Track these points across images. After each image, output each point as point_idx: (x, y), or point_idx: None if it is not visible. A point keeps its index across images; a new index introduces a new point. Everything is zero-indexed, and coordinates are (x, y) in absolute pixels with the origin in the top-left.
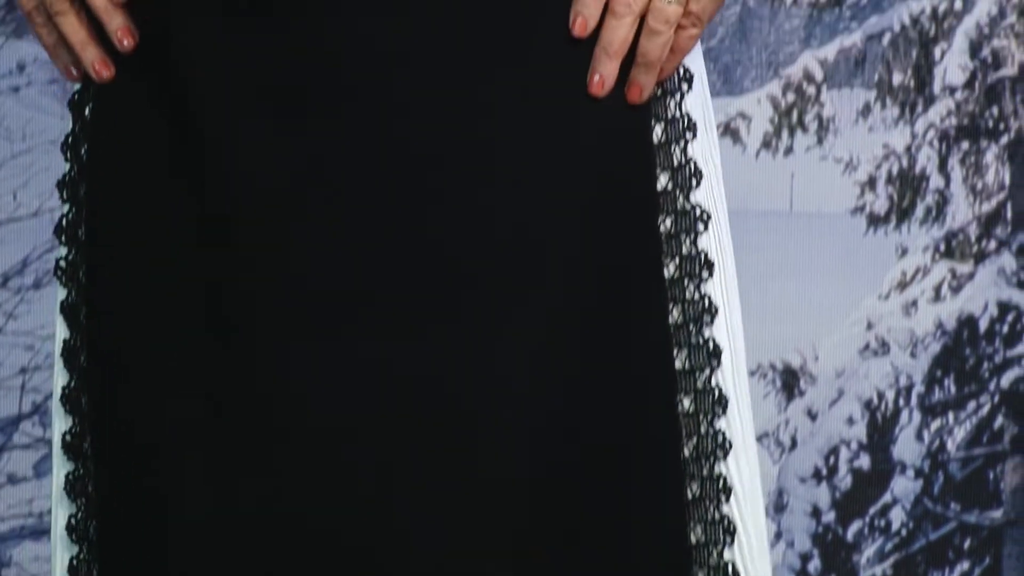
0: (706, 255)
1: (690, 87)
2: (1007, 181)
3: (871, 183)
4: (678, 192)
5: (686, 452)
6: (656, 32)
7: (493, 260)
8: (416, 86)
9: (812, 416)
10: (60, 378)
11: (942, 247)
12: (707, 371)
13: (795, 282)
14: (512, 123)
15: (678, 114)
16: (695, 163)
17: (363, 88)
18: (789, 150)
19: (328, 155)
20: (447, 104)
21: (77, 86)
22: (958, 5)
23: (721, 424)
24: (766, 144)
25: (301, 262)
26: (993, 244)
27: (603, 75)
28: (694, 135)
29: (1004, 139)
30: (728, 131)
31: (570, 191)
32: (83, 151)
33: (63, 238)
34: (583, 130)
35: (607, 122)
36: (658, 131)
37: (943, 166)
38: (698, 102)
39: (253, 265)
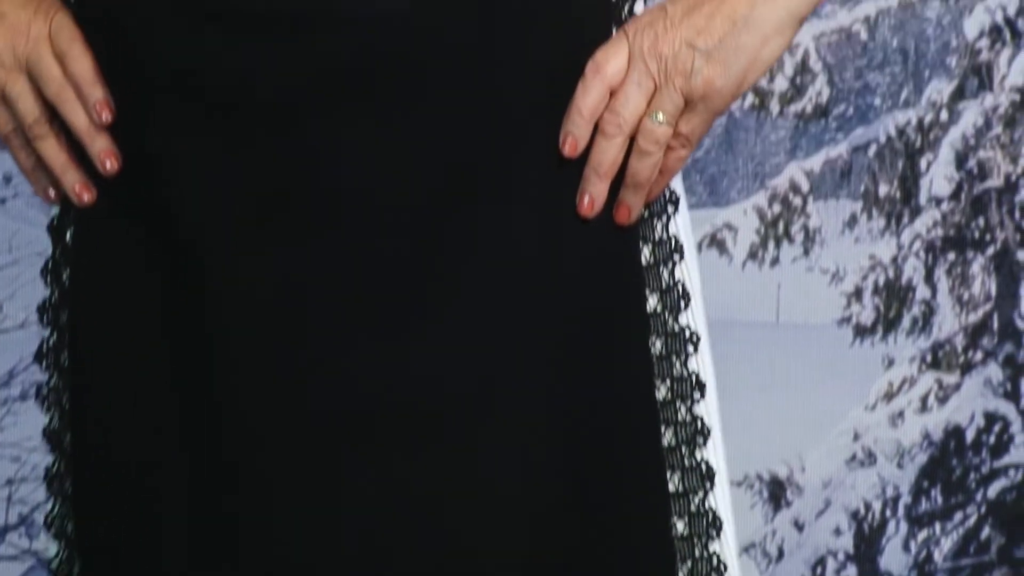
0: (697, 376)
1: (676, 209)
2: (993, 292)
3: (857, 294)
4: (667, 314)
5: None
6: (646, 153)
7: (479, 385)
8: (399, 204)
9: (799, 527)
10: (49, 502)
11: (928, 358)
12: (701, 494)
13: (781, 393)
14: (499, 243)
15: (665, 236)
16: (683, 285)
17: (346, 202)
18: (775, 261)
19: (313, 270)
20: (429, 229)
21: (56, 209)
22: (944, 116)
23: (715, 547)
24: (752, 255)
25: (292, 379)
26: (980, 355)
27: (593, 196)
28: (681, 257)
29: (990, 250)
30: (714, 242)
31: (556, 315)
32: (64, 276)
33: (44, 363)
34: (571, 252)
35: (596, 244)
36: (646, 253)
37: (929, 277)
38: (683, 223)
39: (245, 386)
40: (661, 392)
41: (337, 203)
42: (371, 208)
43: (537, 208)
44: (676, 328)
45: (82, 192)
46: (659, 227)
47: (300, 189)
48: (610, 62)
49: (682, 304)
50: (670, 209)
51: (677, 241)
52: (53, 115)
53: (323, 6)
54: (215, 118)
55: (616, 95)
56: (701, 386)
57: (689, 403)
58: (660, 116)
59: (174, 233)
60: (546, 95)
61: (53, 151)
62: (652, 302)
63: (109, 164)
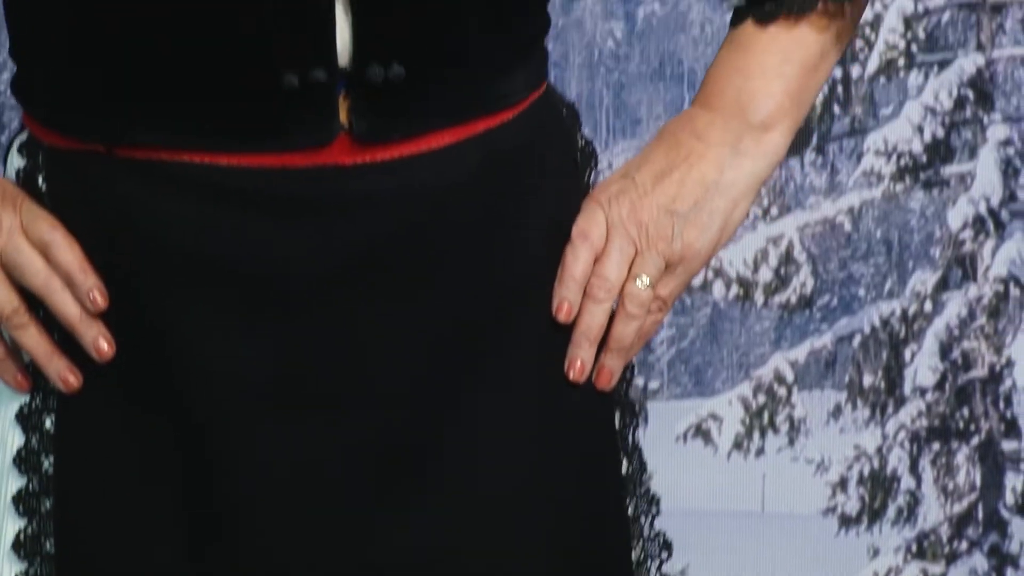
0: (664, 536)
1: (634, 373)
2: (978, 482)
3: (842, 484)
4: (636, 476)
5: None
6: (633, 316)
7: (484, 553)
8: (409, 377)
9: None
10: None
11: (914, 548)
12: None
13: None
14: (501, 413)
15: (628, 399)
16: (642, 448)
17: (357, 376)
18: (760, 451)
19: (327, 445)
20: (436, 401)
21: (23, 398)
22: (928, 307)
23: None
24: (737, 445)
25: (300, 552)
26: (965, 545)
27: (584, 361)
28: (642, 420)
29: (975, 440)
30: (699, 432)
31: (552, 482)
32: (46, 464)
33: (22, 552)
34: (564, 418)
35: (584, 409)
36: (617, 417)
37: (914, 467)
38: None
39: (257, 559)
40: (635, 553)
41: (349, 377)
42: (383, 382)
43: (534, 376)
44: (643, 489)
45: (70, 378)
46: (624, 391)
47: (314, 365)
48: (593, 230)
49: (645, 466)
50: (628, 374)
51: (638, 404)
52: (30, 303)
53: (340, 187)
54: (227, 295)
55: (600, 261)
56: (668, 546)
57: (658, 563)
58: (645, 280)
59: (180, 409)
60: (538, 264)
61: (35, 340)
62: (625, 465)
63: (106, 349)
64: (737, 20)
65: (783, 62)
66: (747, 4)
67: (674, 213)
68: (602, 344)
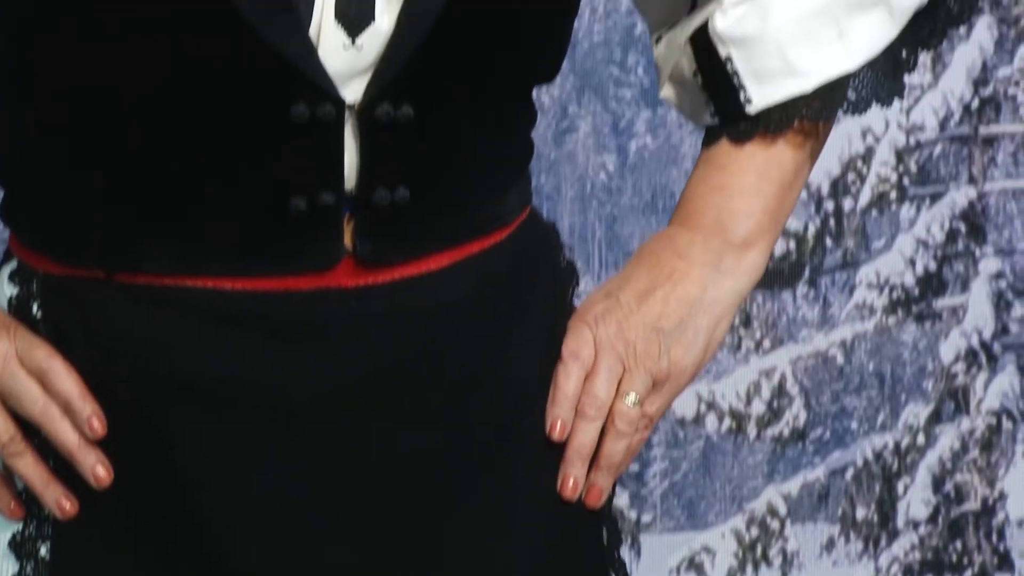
0: None
1: (615, 491)
2: None
3: None
4: None
5: None
6: (622, 434)
7: None
8: (406, 499)
9: None
10: None
11: None
12: None
13: None
14: (499, 530)
15: (612, 517)
16: (624, 564)
17: (360, 504)
18: None
19: (333, 567)
20: (434, 514)
21: (15, 526)
22: (921, 440)
23: None
24: None
25: None
26: None
27: (577, 479)
28: (635, 555)
29: (968, 573)
30: (692, 565)
31: None
32: None
33: None
34: (559, 537)
35: (575, 526)
36: (604, 534)
37: None
38: None
39: None
40: None
41: (354, 497)
42: (386, 501)
43: (530, 497)
44: None
45: (66, 505)
46: (608, 508)
47: (319, 486)
48: (583, 349)
49: None
50: (612, 492)
51: (619, 519)
52: (25, 429)
53: (342, 309)
54: (230, 419)
55: (591, 380)
56: None
57: None
58: (633, 397)
59: (185, 534)
60: (529, 383)
61: (31, 467)
62: None
63: (105, 476)
64: (711, 139)
65: (761, 180)
66: (721, 123)
67: (660, 331)
68: (590, 463)
